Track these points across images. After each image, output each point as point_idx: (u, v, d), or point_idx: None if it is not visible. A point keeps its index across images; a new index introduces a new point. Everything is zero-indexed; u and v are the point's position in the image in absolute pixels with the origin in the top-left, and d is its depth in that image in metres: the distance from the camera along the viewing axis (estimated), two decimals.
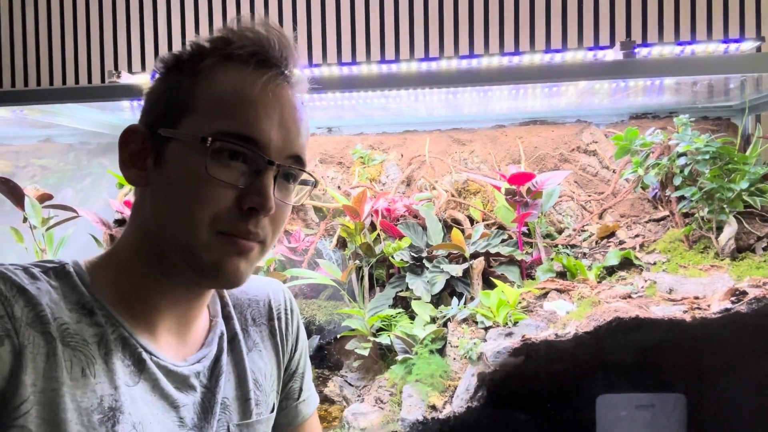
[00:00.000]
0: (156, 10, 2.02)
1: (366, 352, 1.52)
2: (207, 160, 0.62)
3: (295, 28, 1.95)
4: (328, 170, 1.98)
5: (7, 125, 1.78)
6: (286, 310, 0.87)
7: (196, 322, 0.74)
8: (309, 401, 0.91)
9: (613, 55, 1.29)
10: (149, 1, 2.02)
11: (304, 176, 0.72)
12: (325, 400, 1.52)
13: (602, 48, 1.37)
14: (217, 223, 0.63)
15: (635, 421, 1.21)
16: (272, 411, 0.82)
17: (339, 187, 1.93)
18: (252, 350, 0.80)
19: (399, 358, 1.43)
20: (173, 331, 0.70)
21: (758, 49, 1.45)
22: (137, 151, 0.67)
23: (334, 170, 1.98)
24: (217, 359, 0.74)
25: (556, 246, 1.71)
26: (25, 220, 1.62)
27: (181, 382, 0.69)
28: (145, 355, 0.65)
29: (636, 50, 1.22)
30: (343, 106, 1.78)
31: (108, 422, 0.60)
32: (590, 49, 1.33)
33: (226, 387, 0.75)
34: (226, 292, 0.82)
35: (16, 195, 1.57)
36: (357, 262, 1.68)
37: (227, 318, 0.80)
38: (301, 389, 0.90)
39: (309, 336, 1.59)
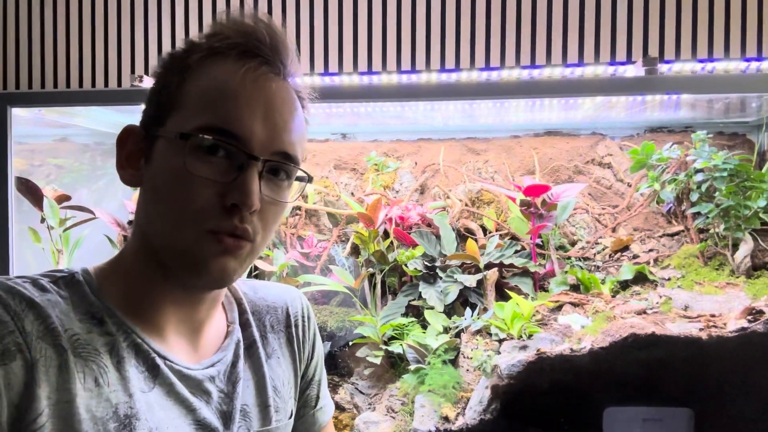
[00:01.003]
0: (174, 14, 2.04)
1: (378, 360, 1.51)
2: (185, 156, 0.61)
3: (312, 37, 1.96)
4: (342, 176, 1.98)
5: (24, 124, 1.79)
6: (303, 317, 0.87)
7: (206, 325, 0.73)
8: (325, 409, 0.92)
9: (635, 71, 1.29)
10: (167, 5, 2.04)
11: (301, 173, 0.69)
12: (335, 407, 1.51)
13: (620, 63, 1.38)
14: (202, 220, 0.61)
15: None
16: (290, 417, 0.82)
17: (352, 194, 1.94)
18: (271, 357, 0.80)
19: (411, 367, 1.43)
20: (184, 334, 0.70)
21: None
22: (133, 152, 0.67)
23: (348, 176, 1.98)
24: (233, 365, 0.74)
25: (569, 258, 1.71)
26: (43, 220, 1.63)
27: (195, 386, 0.68)
28: (158, 360, 0.65)
29: (658, 67, 1.22)
30: (358, 113, 1.78)
31: (124, 430, 0.59)
32: (611, 63, 1.34)
33: (246, 394, 0.74)
34: (244, 299, 0.82)
35: (35, 195, 1.58)
36: (370, 269, 1.69)
37: (245, 325, 0.79)
38: (318, 397, 0.90)
39: None
